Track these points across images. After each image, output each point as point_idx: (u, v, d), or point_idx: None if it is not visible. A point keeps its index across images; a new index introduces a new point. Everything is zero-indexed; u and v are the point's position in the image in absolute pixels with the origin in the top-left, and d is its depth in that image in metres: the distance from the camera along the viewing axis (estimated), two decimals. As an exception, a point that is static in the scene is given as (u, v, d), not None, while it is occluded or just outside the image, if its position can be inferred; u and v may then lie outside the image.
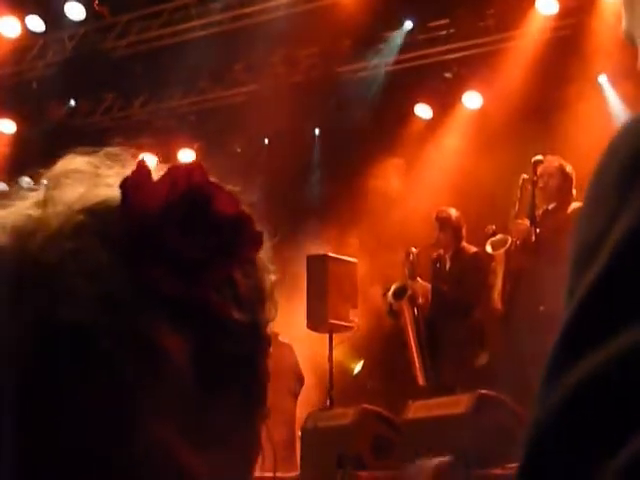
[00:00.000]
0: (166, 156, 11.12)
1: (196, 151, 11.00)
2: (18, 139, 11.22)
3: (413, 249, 7.74)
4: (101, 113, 11.24)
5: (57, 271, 0.61)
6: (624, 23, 0.78)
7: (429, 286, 7.58)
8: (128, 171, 0.70)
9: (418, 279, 7.65)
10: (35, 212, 0.65)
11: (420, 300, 7.54)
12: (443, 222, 7.48)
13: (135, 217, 0.64)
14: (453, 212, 7.56)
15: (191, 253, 0.64)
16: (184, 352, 0.63)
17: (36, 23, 10.01)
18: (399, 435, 5.68)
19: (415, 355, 7.41)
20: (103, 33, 10.26)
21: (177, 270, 0.63)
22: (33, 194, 0.69)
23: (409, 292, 7.55)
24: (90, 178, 0.68)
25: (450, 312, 7.29)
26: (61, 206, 0.65)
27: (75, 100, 11.15)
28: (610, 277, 0.44)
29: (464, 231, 7.54)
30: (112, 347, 0.61)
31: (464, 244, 7.52)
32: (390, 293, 7.66)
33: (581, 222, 0.49)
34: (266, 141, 10.83)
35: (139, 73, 10.62)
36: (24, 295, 0.60)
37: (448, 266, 7.52)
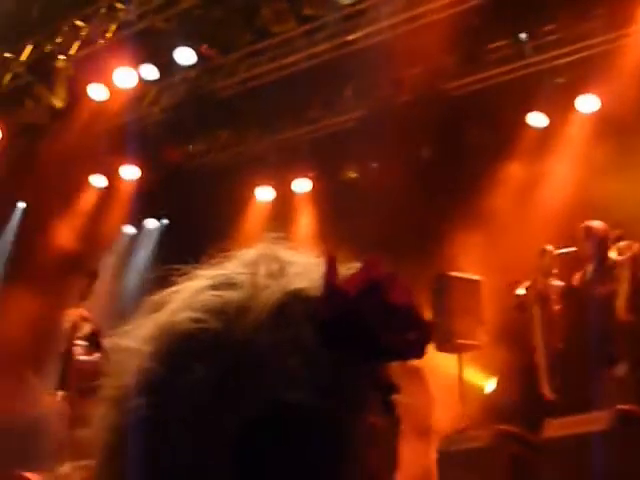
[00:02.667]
0: (283, 186, 11.29)
1: (312, 180, 11.12)
2: (141, 184, 11.61)
3: (549, 247, 7.52)
4: (216, 152, 11.51)
5: (272, 353, 0.62)
6: None
7: (561, 286, 7.34)
8: (310, 259, 0.71)
9: (552, 279, 7.41)
10: (228, 294, 0.66)
11: (552, 300, 7.32)
12: (588, 232, 7.23)
13: (337, 304, 0.66)
14: (598, 224, 7.30)
15: (391, 345, 0.66)
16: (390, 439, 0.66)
17: (149, 71, 10.38)
18: (538, 455, 5.53)
19: (543, 361, 7.19)
20: (212, 74, 10.52)
21: (379, 358, 0.66)
22: (207, 274, 0.70)
23: (541, 291, 7.33)
24: (280, 265, 0.69)
25: (585, 319, 7.01)
26: (259, 290, 0.66)
27: (190, 141, 11.46)
28: None
29: (609, 243, 7.24)
30: (337, 431, 0.62)
31: (609, 254, 7.21)
32: (520, 289, 7.49)
33: None
34: (378, 164, 10.83)
35: (250, 109, 10.83)
36: (241, 377, 0.62)
37: (592, 275, 7.22)
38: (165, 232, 12.18)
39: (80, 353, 8.92)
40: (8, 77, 10.59)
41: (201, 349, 0.63)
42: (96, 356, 8.80)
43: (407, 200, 9.86)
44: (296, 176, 11.15)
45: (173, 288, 0.70)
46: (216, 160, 11.52)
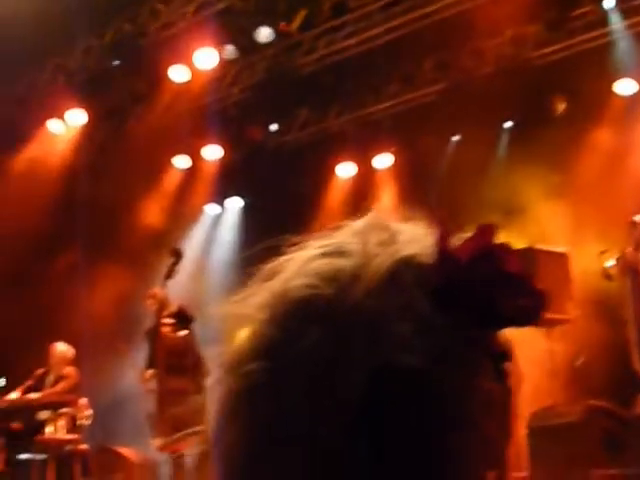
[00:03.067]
0: (364, 163, 11.27)
1: (393, 155, 11.07)
2: (224, 163, 11.74)
3: (639, 218, 7.34)
4: (297, 130, 11.55)
5: (385, 319, 0.63)
6: None
7: None
8: (418, 228, 0.72)
9: None
10: (340, 261, 0.67)
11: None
12: None
13: (449, 271, 0.66)
14: None
15: (505, 312, 0.66)
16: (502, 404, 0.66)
17: (229, 51, 10.45)
18: (629, 431, 5.43)
19: (634, 334, 7.03)
20: (291, 51, 10.54)
21: (493, 325, 0.66)
22: (318, 243, 0.71)
23: (631, 263, 7.16)
24: (389, 233, 0.70)
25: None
26: (370, 258, 0.67)
27: (271, 120, 11.52)
28: None
29: None
30: (449, 397, 0.62)
31: None
32: (609, 261, 7.33)
33: None
34: (460, 138, 10.72)
35: (330, 85, 10.82)
36: (355, 343, 0.62)
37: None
38: (247, 211, 12.30)
39: (168, 330, 9.07)
40: (92, 61, 10.80)
41: (315, 315, 0.64)
42: (183, 333, 8.95)
43: (491, 172, 9.74)
44: (377, 152, 11.12)
45: (285, 257, 0.71)
46: (297, 138, 11.57)
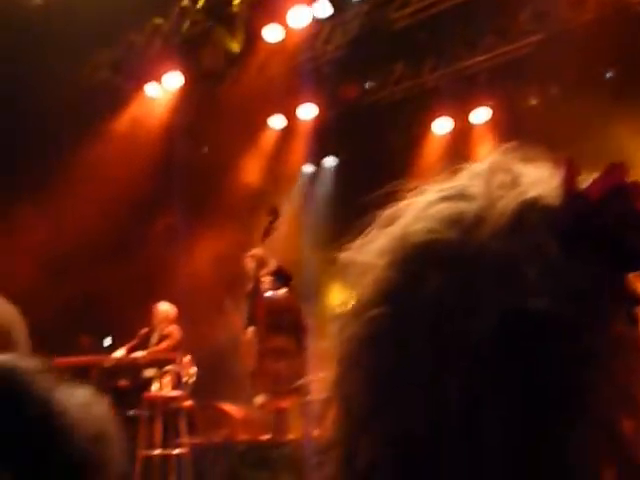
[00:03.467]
0: (461, 118, 11.12)
1: (491, 109, 10.88)
2: (319, 122, 11.74)
3: None
4: (392, 86, 11.44)
5: (510, 263, 0.62)
6: None
7: None
8: (541, 170, 0.70)
9: None
10: (462, 205, 0.65)
11: None
12: None
13: (578, 211, 0.64)
14: None
15: (638, 253, 0.64)
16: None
17: (322, 9, 10.38)
18: None
19: None
20: (385, 7, 10.40)
21: (624, 268, 0.64)
22: (438, 187, 0.69)
23: None
24: (512, 175, 0.68)
25: None
26: (493, 200, 0.65)
27: (366, 77, 11.44)
28: None
29: None
30: (581, 340, 0.61)
31: None
32: None
33: None
34: (559, 89, 10.44)
35: (424, 40, 10.66)
36: (480, 286, 0.61)
37: None
38: (343, 169, 12.29)
39: (267, 289, 9.17)
40: (186, 24, 10.89)
41: (438, 259, 0.63)
42: (282, 292, 9.05)
43: (592, 126, 9.48)
44: (474, 106, 10.94)
45: (403, 202, 0.70)
46: (391, 94, 11.47)
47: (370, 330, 0.63)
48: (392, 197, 0.72)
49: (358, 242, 0.70)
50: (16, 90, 9.93)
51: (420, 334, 0.61)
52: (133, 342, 9.88)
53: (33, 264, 10.02)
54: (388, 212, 0.70)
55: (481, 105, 10.89)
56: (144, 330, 9.95)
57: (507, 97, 10.48)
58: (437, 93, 10.93)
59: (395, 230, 0.67)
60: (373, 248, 0.68)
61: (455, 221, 0.64)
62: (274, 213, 9.61)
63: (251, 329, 9.12)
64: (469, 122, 11.07)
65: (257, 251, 9.35)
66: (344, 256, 0.70)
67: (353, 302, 0.66)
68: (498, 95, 10.69)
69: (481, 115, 10.96)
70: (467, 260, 0.62)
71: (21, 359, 0.92)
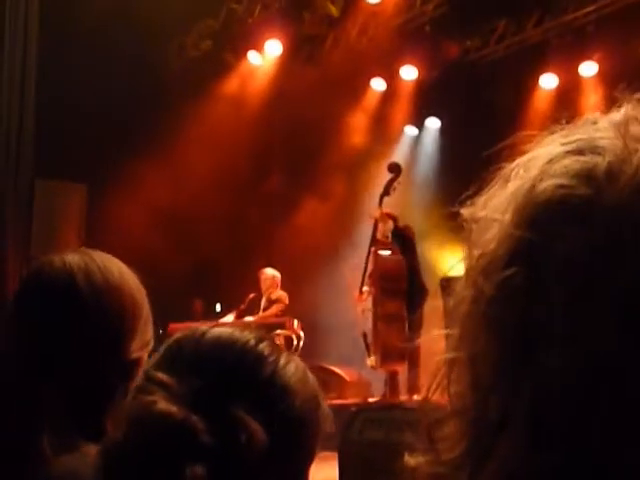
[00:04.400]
0: (568, 73, 10.80)
1: (598, 62, 10.53)
2: (421, 83, 11.61)
3: None
4: (494, 43, 11.19)
5: None
6: None
7: None
8: None
9: None
10: (594, 158, 0.63)
11: None
12: None
13: None
14: None
15: None
16: None
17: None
18: None
19: None
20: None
21: None
22: (563, 139, 0.66)
23: None
24: None
25: None
26: (628, 153, 0.62)
27: (467, 35, 11.23)
28: None
29: None
30: None
31: None
32: None
33: None
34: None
35: (528, -6, 10.39)
36: (621, 243, 0.59)
37: None
38: (446, 129, 12.13)
39: (384, 251, 8.97)
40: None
41: (572, 215, 0.60)
42: (398, 255, 8.85)
43: None
44: (581, 59, 10.61)
45: (526, 156, 0.67)
46: (494, 51, 11.22)
47: (502, 289, 0.62)
48: (509, 151, 0.69)
49: (478, 198, 0.68)
50: (131, 65, 10.22)
51: (554, 293, 0.59)
52: (241, 307, 10.06)
53: (149, 228, 10.29)
54: (508, 167, 0.68)
55: (589, 58, 10.54)
56: (252, 295, 10.11)
57: (616, 49, 10.11)
58: (542, 48, 10.63)
59: (519, 185, 0.65)
60: (496, 204, 0.66)
61: (587, 176, 0.62)
62: (396, 170, 9.08)
63: (366, 289, 9.03)
64: (577, 76, 10.74)
65: (375, 210, 8.99)
66: (464, 212, 0.68)
67: (476, 260, 0.65)
68: (605, 47, 10.33)
69: (589, 68, 10.62)
70: (602, 217, 0.59)
71: (243, 333, 1.04)
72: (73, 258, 1.44)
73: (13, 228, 9.15)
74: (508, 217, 0.63)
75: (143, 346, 1.44)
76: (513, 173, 0.67)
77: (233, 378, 0.98)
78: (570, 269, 0.59)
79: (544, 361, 0.58)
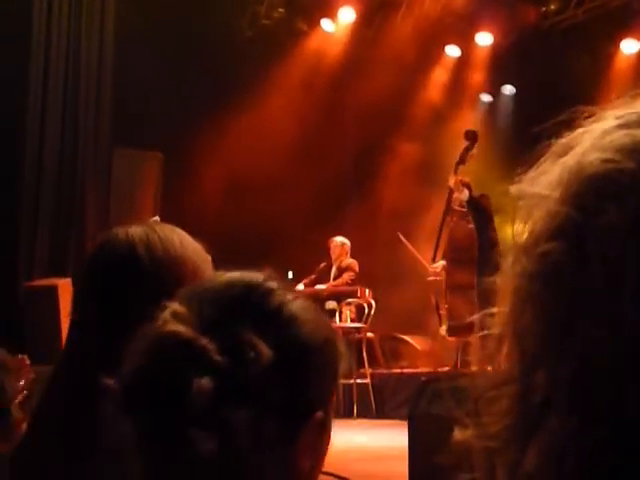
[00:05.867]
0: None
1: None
2: (497, 49, 11.42)
3: None
4: (573, 8, 10.92)
5: None
6: None
7: None
8: None
9: None
10: (639, 132, 0.62)
11: None
12: None
13: None
14: None
15: None
16: None
17: None
18: None
19: None
20: None
21: None
22: (616, 113, 0.65)
23: None
24: None
25: None
26: None
27: (544, 0, 10.99)
28: None
29: None
30: None
31: None
32: None
33: None
34: None
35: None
36: None
37: None
38: (521, 96, 11.92)
39: (457, 221, 8.86)
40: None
41: (615, 190, 0.60)
42: (469, 225, 8.72)
43: None
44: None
45: (579, 130, 0.67)
46: (573, 16, 10.95)
47: (544, 264, 0.62)
48: (568, 125, 0.69)
49: (531, 173, 0.67)
50: (206, 36, 10.32)
51: (597, 268, 0.59)
52: (312, 276, 10.10)
53: (223, 196, 10.41)
54: (563, 141, 0.67)
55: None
56: (322, 264, 10.14)
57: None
58: (623, 12, 10.34)
59: (570, 160, 0.64)
60: (547, 180, 0.65)
61: (633, 150, 0.61)
62: (472, 138, 8.87)
63: (439, 262, 8.96)
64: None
65: (450, 179, 8.80)
66: (516, 188, 0.68)
67: (525, 236, 0.65)
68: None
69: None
70: None
71: (254, 273, 1.10)
72: (136, 230, 1.52)
73: (93, 196, 9.35)
74: (556, 193, 0.63)
75: None
76: (566, 148, 0.66)
77: (241, 307, 1.03)
78: (610, 242, 0.59)
79: (589, 332, 0.59)
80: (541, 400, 0.61)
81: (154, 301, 1.49)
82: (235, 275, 1.09)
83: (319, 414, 1.05)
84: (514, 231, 0.66)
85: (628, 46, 10.78)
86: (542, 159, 0.67)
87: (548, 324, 0.62)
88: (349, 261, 10.12)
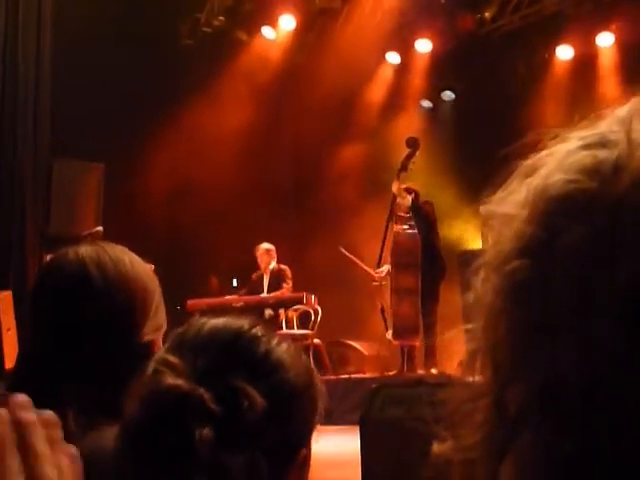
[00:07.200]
0: (584, 44, 10.70)
1: (614, 33, 10.42)
2: (435, 56, 11.54)
3: None
4: (509, 14, 11.08)
5: None
6: None
7: None
8: None
9: None
10: (602, 153, 0.63)
11: None
12: None
13: None
14: None
15: None
16: None
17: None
18: None
19: None
20: None
21: None
22: (579, 134, 0.67)
23: None
24: None
25: None
26: (634, 147, 0.62)
27: (482, 7, 11.13)
28: None
29: None
30: None
31: None
32: None
33: None
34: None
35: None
36: (621, 236, 0.59)
37: None
38: (460, 102, 12.05)
39: (400, 227, 8.93)
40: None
41: (577, 210, 0.62)
42: (412, 230, 8.79)
43: None
44: (598, 30, 10.50)
45: (545, 151, 0.69)
46: (509, 23, 11.12)
47: (512, 281, 0.63)
48: (533, 146, 0.71)
49: (500, 194, 0.69)
50: (144, 43, 10.25)
51: (559, 285, 0.61)
52: (244, 290, 10.11)
53: (165, 205, 10.34)
54: (529, 162, 0.69)
55: (606, 29, 10.43)
56: (254, 275, 10.11)
57: (633, 19, 10.00)
58: (558, 19, 10.52)
59: (535, 181, 0.66)
60: (515, 199, 0.67)
61: (594, 170, 0.62)
62: (413, 144, 8.99)
63: (384, 267, 9.02)
64: (594, 47, 10.64)
65: (393, 186, 8.92)
66: (486, 208, 0.70)
67: (496, 253, 0.67)
68: (622, 18, 10.21)
69: (606, 39, 10.51)
70: (606, 210, 0.60)
71: (239, 320, 1.16)
72: (86, 250, 1.53)
73: (32, 208, 9.20)
74: (524, 213, 0.65)
75: (156, 329, 1.54)
76: (532, 169, 0.68)
77: (231, 356, 1.08)
78: (574, 260, 0.60)
79: (557, 347, 0.60)
80: (515, 413, 0.63)
81: (105, 319, 1.53)
82: (220, 322, 1.14)
83: (303, 451, 1.14)
84: (484, 249, 0.68)
85: (563, 52, 10.97)
86: (510, 180, 0.70)
87: (519, 339, 0.63)
88: (281, 267, 10.08)
